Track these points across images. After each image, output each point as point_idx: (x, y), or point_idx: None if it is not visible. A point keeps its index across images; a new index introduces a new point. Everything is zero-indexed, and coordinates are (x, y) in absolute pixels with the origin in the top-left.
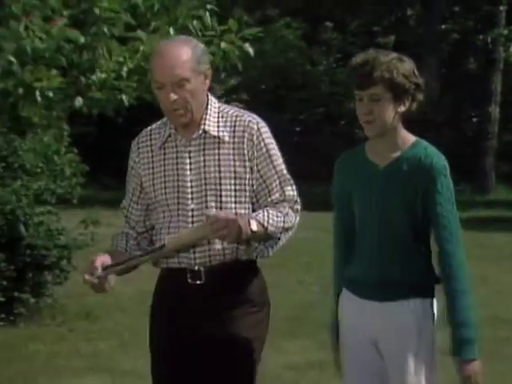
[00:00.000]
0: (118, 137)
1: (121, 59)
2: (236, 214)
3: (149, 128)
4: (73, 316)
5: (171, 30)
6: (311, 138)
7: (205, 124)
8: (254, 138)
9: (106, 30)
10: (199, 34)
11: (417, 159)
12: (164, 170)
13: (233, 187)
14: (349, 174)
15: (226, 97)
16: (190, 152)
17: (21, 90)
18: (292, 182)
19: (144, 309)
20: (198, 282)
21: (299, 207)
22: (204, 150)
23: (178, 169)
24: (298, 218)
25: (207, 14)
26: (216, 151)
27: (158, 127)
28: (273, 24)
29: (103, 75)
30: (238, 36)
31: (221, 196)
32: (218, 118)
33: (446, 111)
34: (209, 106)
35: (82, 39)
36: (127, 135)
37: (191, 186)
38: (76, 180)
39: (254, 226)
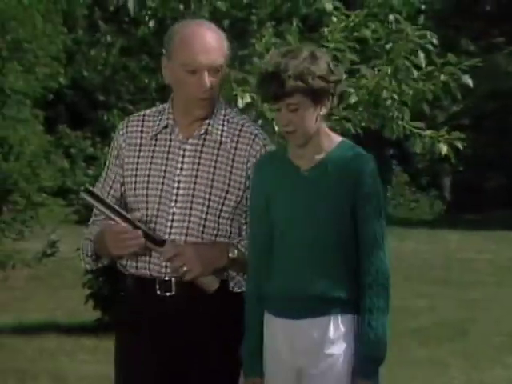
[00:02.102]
0: None
1: (351, 90)
2: (215, 242)
3: (142, 113)
4: None
5: (389, 70)
6: None
7: (209, 124)
8: (258, 154)
9: None
10: (414, 71)
11: (343, 161)
12: (150, 163)
13: (222, 200)
14: (268, 178)
15: (448, 122)
16: (184, 150)
17: (260, 121)
18: None
19: None
20: (168, 294)
21: None
22: (201, 151)
23: (166, 165)
24: None
25: (421, 54)
26: (214, 157)
27: (153, 115)
28: (497, 52)
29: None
30: (458, 67)
31: (208, 207)
32: (224, 121)
33: None
34: (217, 105)
35: None
36: None
37: (177, 188)
38: None
39: (233, 254)
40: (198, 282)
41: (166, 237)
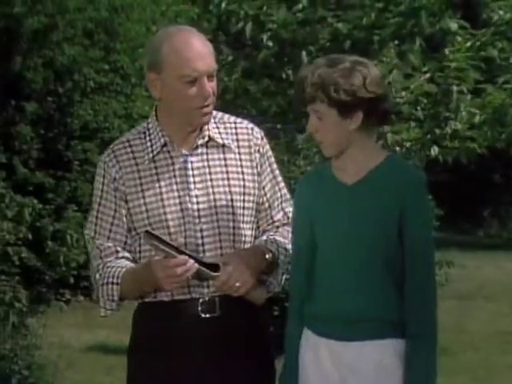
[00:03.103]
0: (472, 183)
1: (473, 110)
2: (252, 247)
3: (124, 138)
4: None
5: None
6: None
7: (209, 129)
8: (261, 148)
9: (455, 88)
10: None
11: (390, 175)
12: (159, 187)
13: (241, 204)
14: (312, 194)
15: None
16: (191, 162)
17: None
18: (291, 201)
19: (496, 349)
20: (208, 315)
21: None
22: (207, 160)
23: (177, 183)
24: None
25: None
26: (222, 162)
27: (138, 137)
28: None
29: (459, 125)
30: None
31: (233, 214)
32: (216, 123)
33: None
34: None
35: (436, 92)
36: (480, 182)
37: (197, 203)
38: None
39: (269, 256)
40: (249, 296)
41: (201, 255)
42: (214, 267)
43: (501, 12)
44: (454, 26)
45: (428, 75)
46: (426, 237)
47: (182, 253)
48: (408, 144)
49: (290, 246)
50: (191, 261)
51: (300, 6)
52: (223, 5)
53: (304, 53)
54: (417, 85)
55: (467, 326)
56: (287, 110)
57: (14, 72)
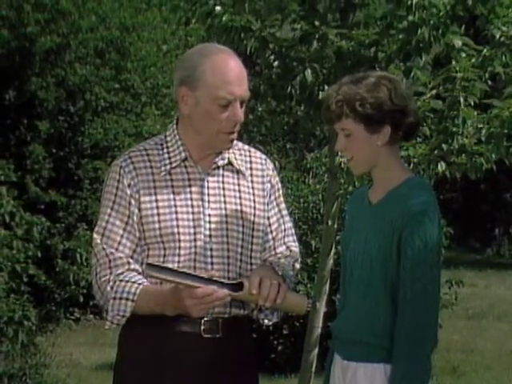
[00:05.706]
0: (482, 202)
1: (480, 125)
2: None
3: (141, 147)
4: (438, 370)
5: None
6: None
7: (229, 153)
8: (272, 179)
9: (461, 99)
10: None
11: (397, 200)
12: (174, 199)
13: (250, 231)
14: (349, 213)
15: None
16: (208, 182)
17: None
18: (294, 236)
19: (508, 369)
20: (207, 336)
21: (298, 266)
22: (223, 182)
23: (192, 199)
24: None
25: None
26: (236, 187)
27: (155, 148)
28: None
29: (466, 140)
30: None
31: (242, 240)
32: (233, 149)
33: None
34: None
35: (443, 108)
36: (490, 201)
37: (209, 222)
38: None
39: (279, 271)
40: (289, 306)
41: (212, 273)
42: (239, 286)
43: (504, 28)
44: (458, 42)
45: (434, 91)
46: (421, 262)
47: (200, 279)
48: (415, 160)
49: (292, 273)
50: (225, 291)
51: (296, 25)
52: (224, 18)
53: (309, 71)
54: (423, 102)
55: (478, 345)
56: (296, 129)
57: (27, 91)
